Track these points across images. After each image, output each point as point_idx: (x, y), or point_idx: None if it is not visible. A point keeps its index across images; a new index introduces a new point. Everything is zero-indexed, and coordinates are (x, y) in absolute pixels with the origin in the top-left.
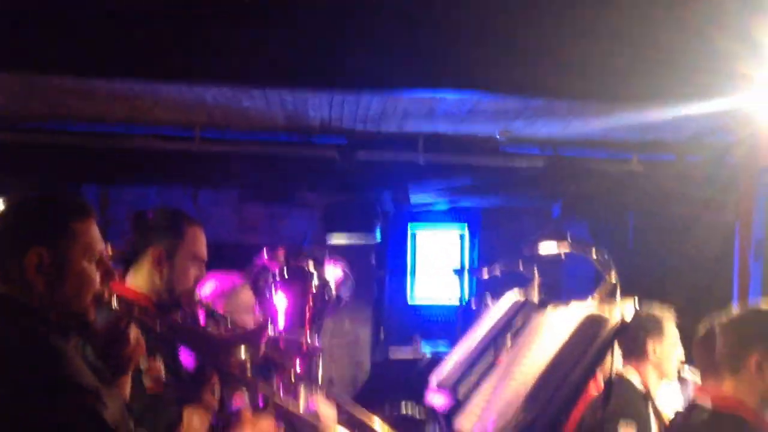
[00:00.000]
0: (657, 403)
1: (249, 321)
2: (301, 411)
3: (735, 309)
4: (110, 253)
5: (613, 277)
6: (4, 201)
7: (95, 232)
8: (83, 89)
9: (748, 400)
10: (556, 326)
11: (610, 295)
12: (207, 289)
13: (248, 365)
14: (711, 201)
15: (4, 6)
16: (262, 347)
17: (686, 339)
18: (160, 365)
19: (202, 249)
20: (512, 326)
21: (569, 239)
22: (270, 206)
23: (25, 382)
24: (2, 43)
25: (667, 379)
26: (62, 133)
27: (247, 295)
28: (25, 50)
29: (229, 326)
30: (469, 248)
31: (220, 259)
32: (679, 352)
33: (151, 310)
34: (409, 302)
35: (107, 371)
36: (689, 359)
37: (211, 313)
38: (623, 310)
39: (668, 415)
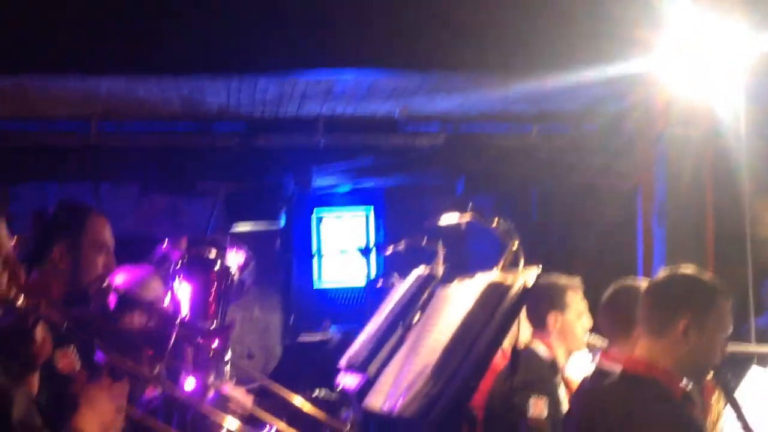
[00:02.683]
0: (566, 372)
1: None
2: (209, 397)
3: (660, 272)
4: (16, 251)
5: (516, 246)
6: None
7: (1, 232)
8: None
9: (663, 362)
10: (460, 298)
11: (513, 264)
12: (117, 281)
13: (156, 361)
14: (609, 169)
15: None
16: (170, 342)
17: (593, 307)
18: (73, 358)
19: (106, 237)
20: (419, 301)
21: (471, 210)
22: (172, 197)
23: None
24: None
25: (576, 349)
26: None
27: (156, 286)
28: None
29: (142, 314)
30: (374, 229)
31: (123, 252)
32: (585, 322)
33: (58, 305)
34: (317, 286)
35: (15, 369)
36: (596, 327)
37: (124, 301)
38: (526, 278)
39: (577, 383)
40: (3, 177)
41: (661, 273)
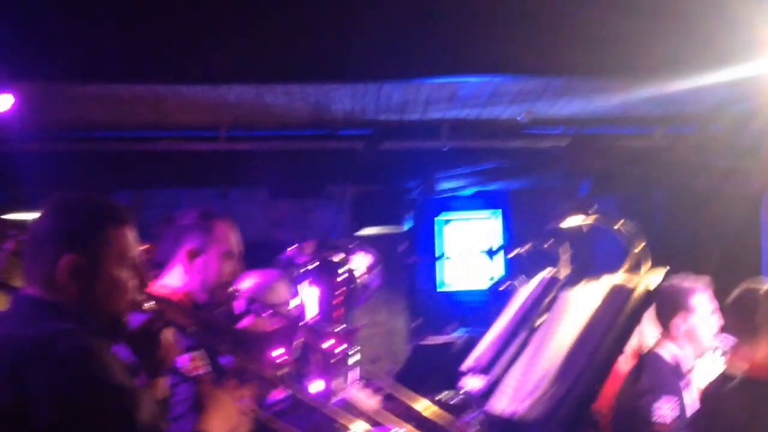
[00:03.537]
0: (692, 375)
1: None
2: (335, 399)
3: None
4: (146, 256)
5: (641, 247)
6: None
7: (130, 238)
8: (107, 95)
9: None
10: (584, 300)
11: (637, 267)
12: (245, 285)
13: (282, 362)
14: (735, 171)
15: (25, 17)
16: (296, 343)
17: (718, 309)
18: (200, 361)
19: (233, 243)
20: (543, 304)
21: (595, 212)
22: (299, 201)
23: (60, 383)
24: (25, 53)
25: (703, 352)
26: (89, 140)
27: (284, 290)
28: (48, 59)
29: (268, 317)
30: (499, 231)
31: (251, 256)
32: (711, 323)
33: (186, 310)
34: (441, 289)
35: (143, 372)
36: (723, 328)
37: (251, 305)
38: (651, 280)
39: (704, 386)
40: (134, 183)
41: None
